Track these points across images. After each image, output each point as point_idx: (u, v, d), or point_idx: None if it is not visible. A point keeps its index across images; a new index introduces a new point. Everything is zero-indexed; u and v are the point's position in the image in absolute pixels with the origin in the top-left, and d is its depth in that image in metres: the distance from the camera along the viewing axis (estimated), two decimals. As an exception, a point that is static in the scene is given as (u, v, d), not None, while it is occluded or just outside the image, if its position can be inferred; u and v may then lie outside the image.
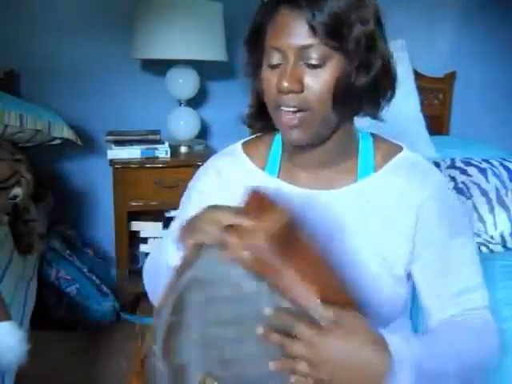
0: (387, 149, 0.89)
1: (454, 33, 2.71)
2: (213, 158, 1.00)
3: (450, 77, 2.68)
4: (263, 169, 0.93)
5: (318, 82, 0.78)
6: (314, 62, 0.77)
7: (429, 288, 0.87)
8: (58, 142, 2.06)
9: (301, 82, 0.78)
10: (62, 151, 2.29)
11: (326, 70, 0.77)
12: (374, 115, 0.86)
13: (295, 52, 0.77)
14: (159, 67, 2.35)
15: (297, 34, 0.76)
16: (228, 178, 0.94)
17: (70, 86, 2.33)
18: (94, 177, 2.42)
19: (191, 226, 0.71)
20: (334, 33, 0.75)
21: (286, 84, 0.77)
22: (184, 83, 2.27)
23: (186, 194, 1.00)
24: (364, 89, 0.80)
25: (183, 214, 0.92)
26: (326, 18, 0.75)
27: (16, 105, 1.93)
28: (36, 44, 2.27)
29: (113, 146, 2.17)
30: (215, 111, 2.51)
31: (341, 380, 0.66)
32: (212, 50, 2.15)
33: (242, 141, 0.98)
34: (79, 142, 2.09)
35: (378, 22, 0.80)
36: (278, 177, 0.92)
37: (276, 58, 0.79)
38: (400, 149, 0.89)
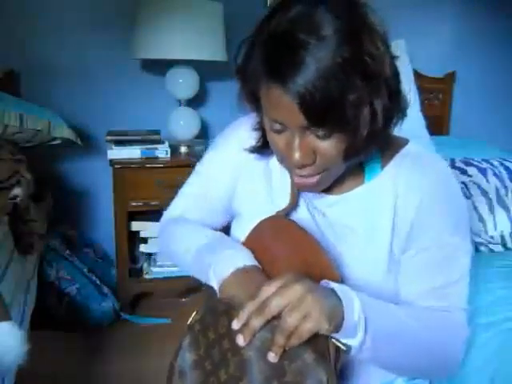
0: (392, 144, 0.86)
1: (454, 33, 2.71)
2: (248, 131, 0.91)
3: (450, 77, 2.68)
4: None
5: (329, 150, 0.73)
6: (320, 134, 0.72)
7: (410, 278, 0.84)
8: (58, 142, 2.06)
9: (313, 154, 0.74)
10: (61, 151, 2.29)
11: (335, 139, 0.72)
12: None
13: (298, 128, 0.72)
14: (159, 67, 2.35)
15: (295, 116, 0.70)
16: (250, 163, 0.94)
17: (70, 85, 2.33)
18: (94, 177, 2.42)
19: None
20: (333, 118, 0.69)
21: (297, 158, 0.74)
22: (184, 83, 2.27)
23: (218, 147, 1.06)
24: (377, 133, 0.74)
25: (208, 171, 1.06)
26: (319, 104, 0.67)
27: (16, 105, 1.93)
28: (36, 44, 2.27)
29: (113, 146, 2.17)
30: (215, 111, 2.51)
31: (320, 307, 0.65)
32: (212, 50, 2.16)
33: None
34: (79, 142, 2.09)
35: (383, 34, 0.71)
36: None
37: (279, 126, 0.74)
38: (405, 142, 0.87)
